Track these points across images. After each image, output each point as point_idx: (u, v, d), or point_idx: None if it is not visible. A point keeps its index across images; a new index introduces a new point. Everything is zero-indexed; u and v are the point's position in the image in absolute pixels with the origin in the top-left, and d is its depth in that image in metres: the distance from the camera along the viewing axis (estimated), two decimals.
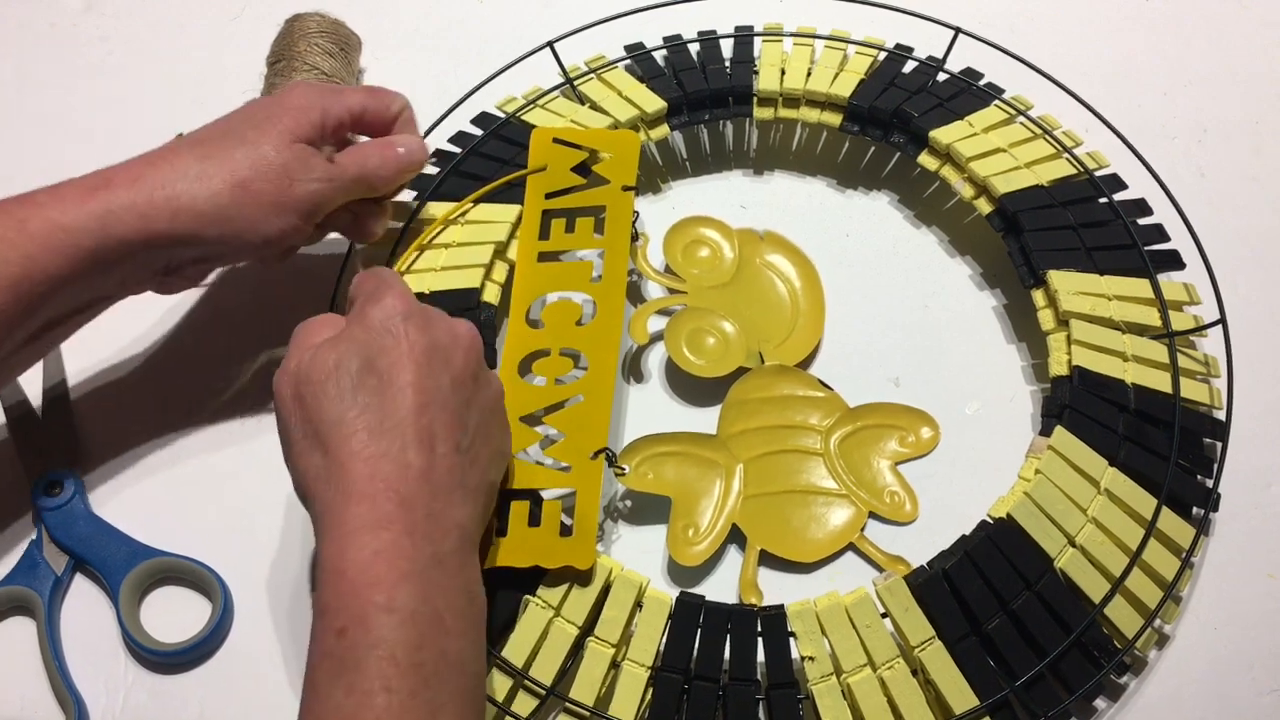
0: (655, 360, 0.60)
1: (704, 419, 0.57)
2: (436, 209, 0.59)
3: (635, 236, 0.60)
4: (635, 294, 0.62)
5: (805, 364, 0.59)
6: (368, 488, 0.40)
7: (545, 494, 0.51)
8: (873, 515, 0.54)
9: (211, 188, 0.49)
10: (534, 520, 0.49)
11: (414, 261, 0.58)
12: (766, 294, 0.60)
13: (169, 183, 0.48)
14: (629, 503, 0.55)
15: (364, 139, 0.56)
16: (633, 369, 0.59)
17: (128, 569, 0.52)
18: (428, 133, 0.63)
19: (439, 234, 0.58)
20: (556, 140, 0.60)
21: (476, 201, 0.59)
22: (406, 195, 0.61)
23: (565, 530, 0.49)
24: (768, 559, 0.53)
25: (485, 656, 0.43)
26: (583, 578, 0.49)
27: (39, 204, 0.47)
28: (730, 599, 0.52)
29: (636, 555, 0.53)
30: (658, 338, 0.59)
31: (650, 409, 0.58)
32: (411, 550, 0.40)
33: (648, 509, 0.55)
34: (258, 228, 0.50)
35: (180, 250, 0.49)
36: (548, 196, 0.59)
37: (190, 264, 0.51)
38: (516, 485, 0.50)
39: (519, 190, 0.59)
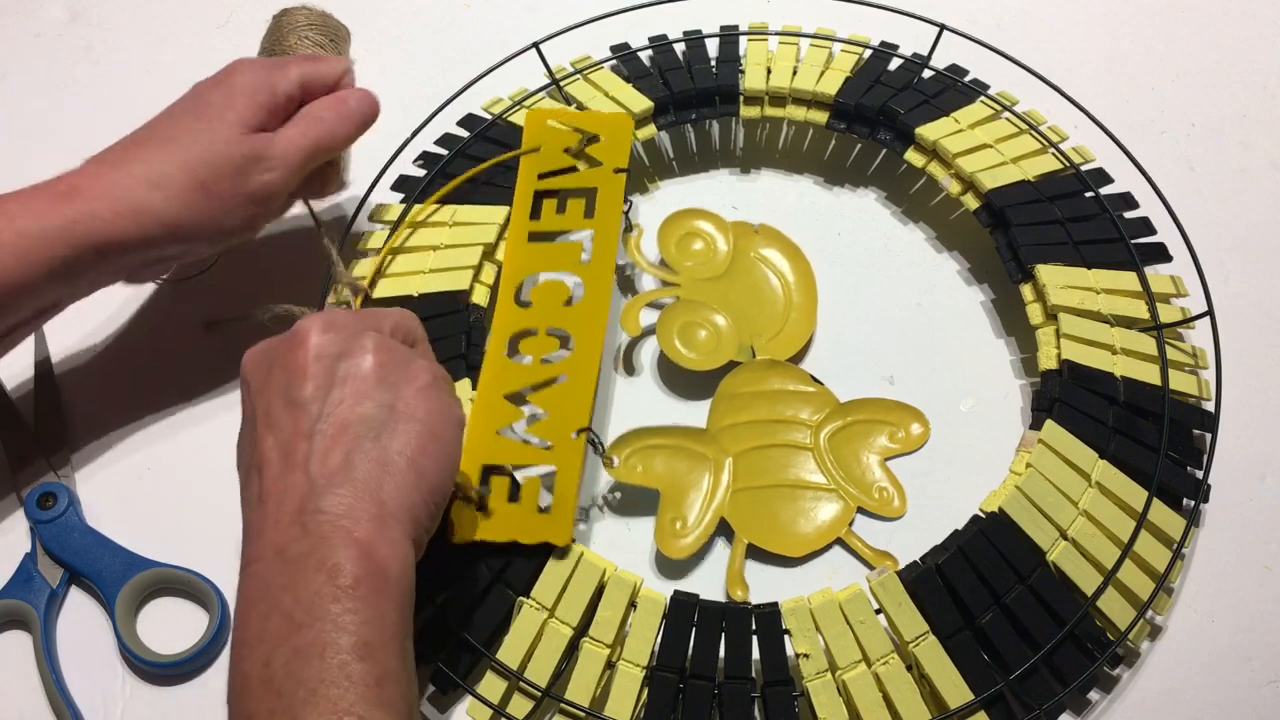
0: (648, 353, 0.60)
1: (695, 413, 0.57)
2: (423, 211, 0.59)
3: (629, 228, 0.61)
4: (629, 286, 0.62)
5: (797, 359, 0.59)
6: (246, 531, 0.42)
7: (526, 471, 0.52)
8: (862, 511, 0.54)
9: (171, 192, 0.49)
10: (513, 496, 0.50)
11: (389, 264, 0.58)
12: (759, 288, 0.60)
13: (131, 189, 0.49)
14: (618, 495, 0.55)
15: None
16: (625, 362, 0.60)
17: (124, 581, 0.51)
18: (414, 135, 0.63)
19: (429, 233, 0.59)
20: (551, 122, 0.61)
21: (469, 180, 0.60)
22: (393, 199, 0.61)
23: (544, 508, 0.50)
24: (755, 553, 0.53)
25: (364, 618, 0.38)
26: (570, 565, 0.49)
27: (9, 214, 0.48)
28: (717, 592, 0.52)
29: (624, 548, 0.54)
30: (650, 331, 0.59)
31: (642, 402, 0.58)
32: (262, 567, 0.39)
33: (636, 502, 0.55)
34: (220, 223, 0.51)
35: (148, 252, 0.50)
36: (540, 177, 0.60)
37: (157, 261, 0.52)
38: (498, 461, 0.51)
39: (507, 191, 0.60)
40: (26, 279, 0.48)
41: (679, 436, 0.55)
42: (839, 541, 0.54)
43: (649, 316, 0.59)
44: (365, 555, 0.39)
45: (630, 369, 0.59)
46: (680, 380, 0.58)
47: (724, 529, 0.54)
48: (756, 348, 0.58)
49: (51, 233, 0.48)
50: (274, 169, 0.52)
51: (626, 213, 0.60)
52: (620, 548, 0.54)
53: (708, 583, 0.53)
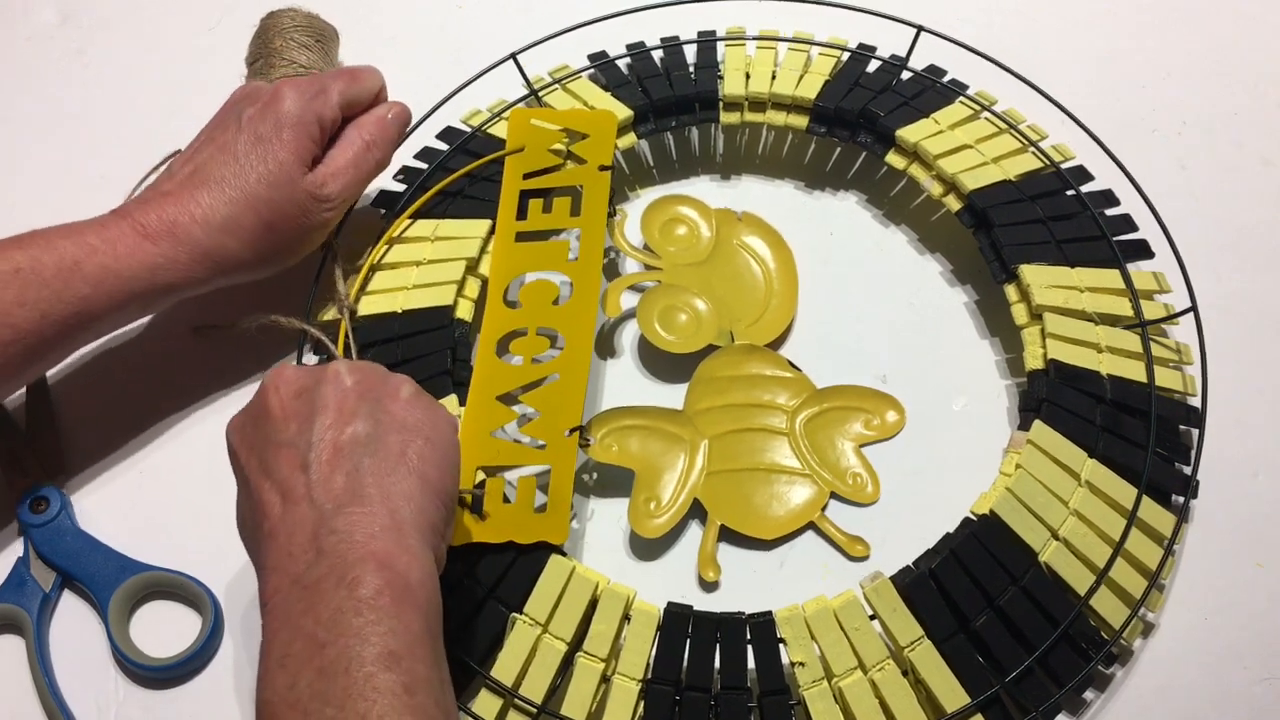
0: (628, 336, 0.60)
1: (674, 395, 0.58)
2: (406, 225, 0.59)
3: (613, 212, 0.61)
4: (612, 270, 0.62)
5: (776, 344, 0.59)
6: (260, 572, 0.42)
7: (520, 471, 0.52)
8: (836, 497, 0.55)
9: (243, 238, 0.52)
10: (508, 497, 0.50)
11: (372, 281, 0.58)
12: (741, 274, 0.61)
13: (207, 236, 0.51)
14: (594, 475, 0.56)
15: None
16: (606, 345, 0.60)
17: (116, 584, 0.51)
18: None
19: (411, 248, 0.59)
20: (535, 121, 0.61)
21: (450, 194, 0.60)
22: (374, 214, 0.61)
23: (539, 507, 0.50)
24: (728, 535, 0.54)
25: (388, 628, 0.38)
26: (563, 580, 0.49)
27: (91, 247, 0.49)
28: (690, 573, 0.53)
29: (598, 527, 0.54)
30: (631, 313, 0.59)
31: (622, 384, 0.59)
32: (280, 599, 0.39)
33: (612, 481, 0.55)
34: (280, 258, 0.55)
35: (211, 287, 0.53)
36: (525, 177, 0.60)
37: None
38: (492, 463, 0.51)
39: (490, 204, 0.59)
40: (104, 310, 0.50)
41: (655, 417, 0.55)
42: (811, 526, 0.54)
43: (630, 300, 0.60)
44: (384, 565, 0.39)
45: (611, 352, 0.60)
46: (659, 363, 0.59)
47: (698, 511, 0.54)
48: (736, 333, 0.58)
49: (132, 271, 0.50)
50: (332, 208, 0.54)
51: (611, 199, 0.60)
52: (593, 526, 0.54)
53: (680, 563, 0.53)
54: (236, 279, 0.54)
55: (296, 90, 0.54)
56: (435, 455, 0.43)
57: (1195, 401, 0.54)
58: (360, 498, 0.40)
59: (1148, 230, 0.58)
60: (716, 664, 0.47)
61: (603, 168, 0.60)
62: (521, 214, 0.59)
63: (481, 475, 0.51)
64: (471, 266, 0.58)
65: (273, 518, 0.41)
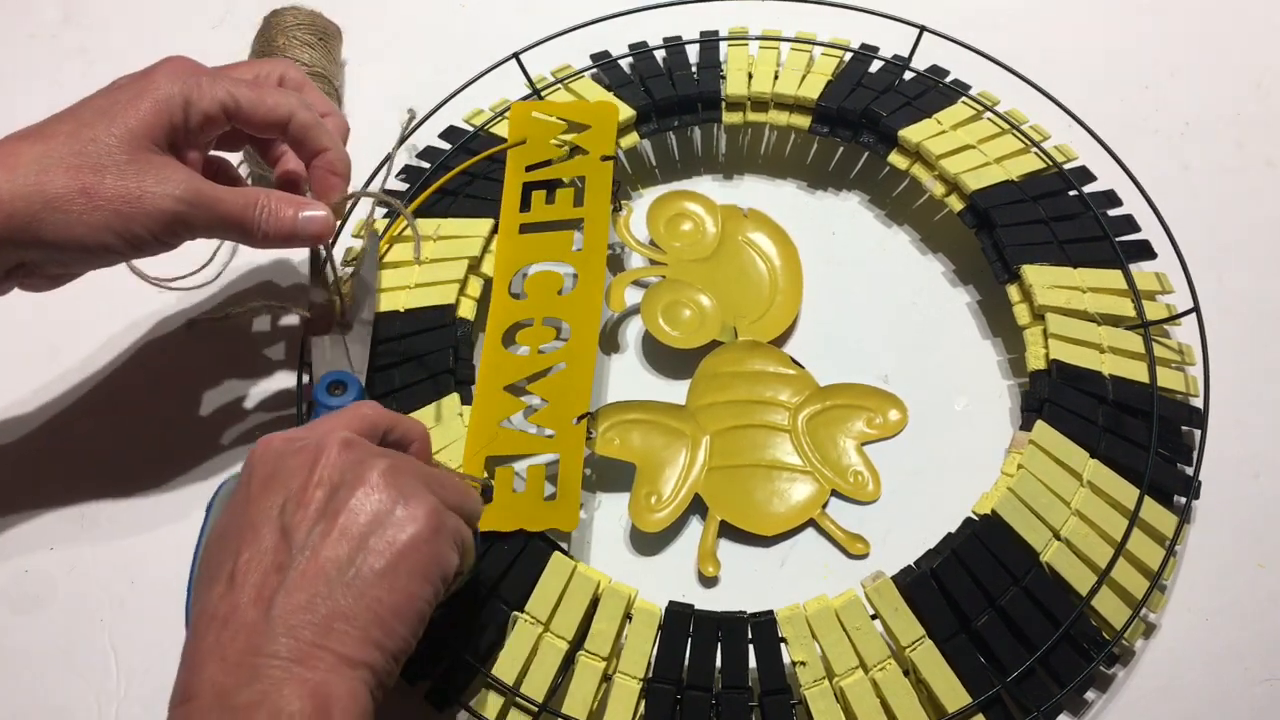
0: (632, 331, 0.60)
1: (677, 391, 0.58)
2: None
3: (619, 207, 0.61)
4: (617, 264, 0.63)
5: (780, 342, 0.59)
6: (186, 652, 0.39)
7: (529, 460, 0.52)
8: (837, 495, 0.55)
9: (50, 193, 0.45)
10: (518, 486, 0.51)
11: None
12: (746, 270, 0.61)
13: (9, 180, 0.45)
14: (595, 469, 0.56)
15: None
16: (610, 340, 0.60)
17: None
18: (386, 161, 0.62)
19: (410, 246, 0.58)
20: (535, 114, 0.61)
21: (453, 193, 0.60)
22: (378, 212, 0.60)
23: (549, 495, 0.50)
24: (729, 532, 0.54)
25: None
26: (565, 578, 0.49)
27: None
28: (690, 569, 0.53)
29: (597, 519, 0.55)
30: (635, 309, 0.59)
31: (625, 379, 0.59)
32: (197, 717, 0.37)
33: (612, 475, 0.56)
34: (102, 238, 0.46)
35: (22, 250, 0.46)
36: (528, 169, 0.60)
37: (43, 266, 0.48)
38: (501, 452, 0.52)
39: (492, 204, 0.59)
40: None
41: (657, 412, 0.56)
42: (811, 523, 0.54)
43: (635, 295, 0.60)
44: (321, 711, 0.36)
45: (615, 347, 0.60)
46: (663, 358, 0.59)
47: (699, 506, 0.54)
48: (740, 329, 0.59)
49: None
50: (176, 199, 0.46)
51: (615, 194, 0.60)
52: (594, 521, 0.55)
53: (680, 558, 0.53)
54: (46, 252, 0.46)
55: (176, 67, 0.48)
56: (407, 608, 0.39)
57: (1197, 402, 0.54)
58: (313, 624, 0.37)
59: (1150, 231, 0.58)
60: (718, 663, 0.47)
61: (605, 158, 0.60)
62: (525, 206, 0.59)
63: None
64: (474, 265, 0.58)
65: (228, 602, 0.38)
